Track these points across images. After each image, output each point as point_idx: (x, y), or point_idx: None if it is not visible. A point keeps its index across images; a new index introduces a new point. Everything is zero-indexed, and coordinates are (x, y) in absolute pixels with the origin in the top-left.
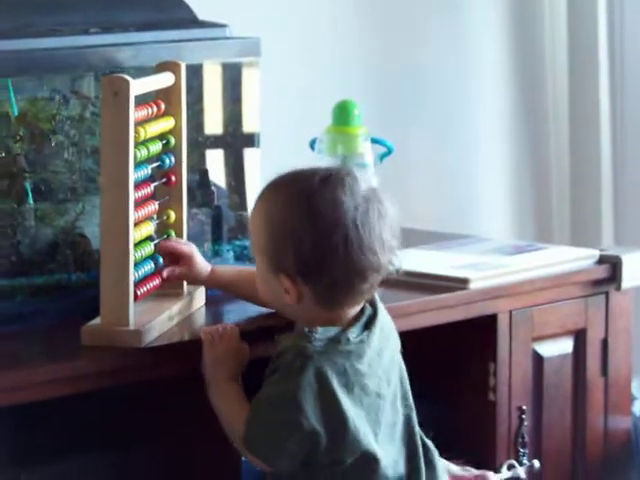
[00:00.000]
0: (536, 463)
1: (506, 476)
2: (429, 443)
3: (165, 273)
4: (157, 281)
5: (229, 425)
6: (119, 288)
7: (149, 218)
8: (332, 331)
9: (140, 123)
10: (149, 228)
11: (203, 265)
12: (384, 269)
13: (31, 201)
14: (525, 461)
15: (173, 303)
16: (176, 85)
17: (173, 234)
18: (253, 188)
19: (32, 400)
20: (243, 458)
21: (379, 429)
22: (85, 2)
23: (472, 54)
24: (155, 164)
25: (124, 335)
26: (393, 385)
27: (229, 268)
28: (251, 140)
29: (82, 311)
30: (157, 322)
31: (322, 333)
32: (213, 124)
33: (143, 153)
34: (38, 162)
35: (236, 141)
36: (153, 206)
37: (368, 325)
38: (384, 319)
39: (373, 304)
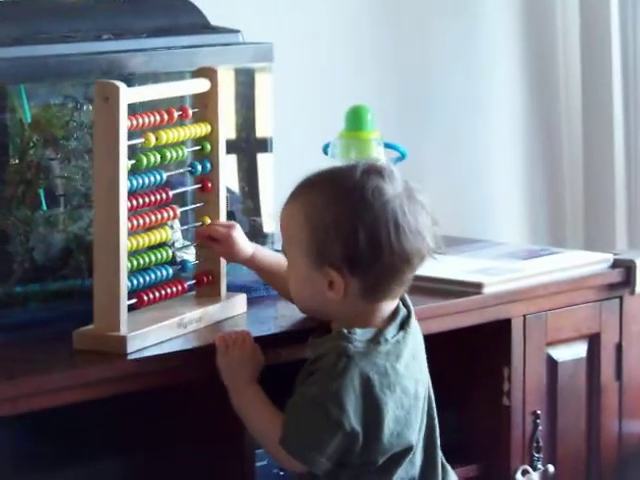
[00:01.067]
0: (550, 468)
1: None
2: (446, 464)
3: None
4: (177, 287)
5: (259, 429)
6: (110, 294)
7: (166, 224)
8: (370, 332)
9: (153, 129)
10: (162, 234)
11: (244, 246)
12: (427, 255)
13: (45, 207)
14: (540, 466)
15: (198, 308)
16: (212, 91)
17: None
18: (266, 193)
19: (55, 405)
20: (257, 464)
21: (417, 430)
22: (97, 8)
23: (484, 58)
24: (185, 169)
25: (110, 341)
26: (427, 385)
27: (271, 255)
28: (264, 145)
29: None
30: (154, 328)
31: (361, 335)
32: (226, 129)
33: (153, 159)
34: (52, 168)
35: (249, 146)
36: (167, 213)
37: (403, 326)
38: (415, 322)
39: (406, 305)
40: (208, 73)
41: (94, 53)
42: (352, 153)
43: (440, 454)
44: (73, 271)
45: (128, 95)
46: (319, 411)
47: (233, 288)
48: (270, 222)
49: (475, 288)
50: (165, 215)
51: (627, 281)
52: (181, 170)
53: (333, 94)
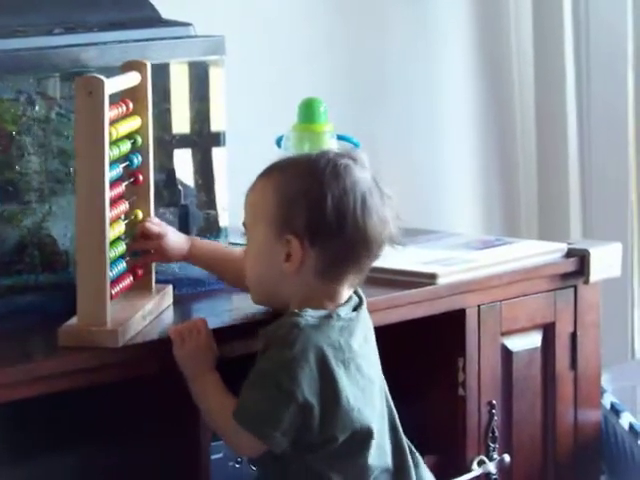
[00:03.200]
0: (506, 457)
1: (477, 472)
2: (414, 450)
3: (139, 256)
4: (129, 280)
5: (216, 414)
6: (96, 288)
7: (120, 217)
8: (323, 312)
9: (112, 123)
10: (121, 227)
11: (175, 247)
12: (385, 245)
13: None
14: (495, 456)
15: (144, 302)
16: (142, 84)
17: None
18: (220, 187)
19: (5, 400)
20: (213, 457)
21: (374, 411)
22: (48, 3)
23: (438, 50)
24: (124, 164)
25: (101, 335)
26: (379, 374)
27: (210, 246)
28: (217, 139)
29: (51, 311)
30: (133, 321)
31: (313, 313)
32: (179, 123)
33: (115, 153)
34: (4, 163)
35: (203, 140)
36: (124, 206)
37: (355, 309)
38: (366, 312)
39: (358, 295)
40: (138, 66)
41: (45, 48)
42: (305, 146)
43: (406, 441)
44: (27, 266)
45: (109, 84)
46: (270, 382)
47: (187, 282)
48: (224, 215)
49: (429, 279)
50: (122, 208)
51: (581, 270)
52: (123, 164)
53: (286, 87)
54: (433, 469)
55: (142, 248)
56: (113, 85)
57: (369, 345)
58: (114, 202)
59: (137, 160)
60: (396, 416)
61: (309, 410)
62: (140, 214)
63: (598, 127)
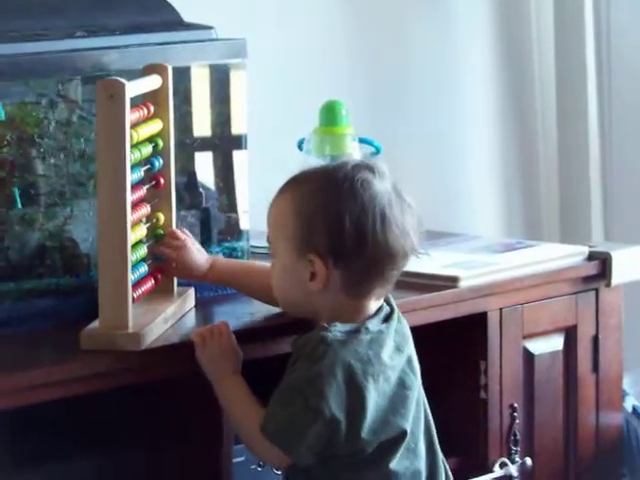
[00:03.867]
0: (528, 461)
1: (498, 474)
2: (447, 465)
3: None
4: (150, 283)
5: (241, 420)
6: (117, 291)
7: (141, 221)
8: (351, 326)
9: (133, 126)
10: (142, 231)
11: (198, 261)
12: (411, 256)
13: (19, 206)
14: (517, 459)
15: (166, 305)
16: (163, 87)
17: (161, 232)
18: (241, 189)
19: (24, 405)
20: (235, 460)
21: (409, 416)
22: (70, 6)
23: (459, 52)
24: (145, 167)
25: (123, 338)
26: (419, 382)
27: (231, 265)
28: (239, 142)
29: (71, 315)
30: (154, 325)
31: (341, 327)
32: (201, 126)
33: (137, 156)
34: (26, 167)
35: (224, 143)
36: (145, 209)
37: (386, 320)
38: (403, 322)
39: (390, 304)
40: (159, 70)
41: (67, 51)
42: (326, 149)
43: (440, 453)
44: (48, 269)
45: (131, 87)
46: (298, 398)
47: (208, 284)
48: (245, 219)
49: (451, 282)
50: (144, 211)
51: (603, 273)
52: (144, 168)
53: (307, 90)
54: (455, 471)
55: (160, 254)
56: (134, 88)
57: (403, 354)
58: (135, 205)
59: (158, 163)
60: (431, 422)
61: (336, 425)
62: (162, 217)
63: (620, 129)
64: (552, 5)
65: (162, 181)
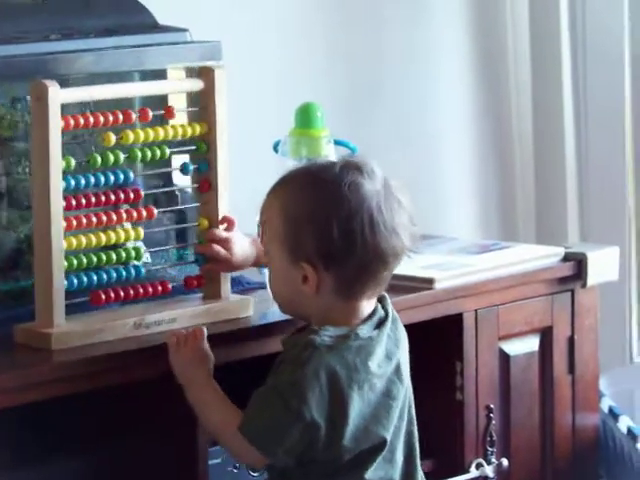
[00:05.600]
0: (504, 462)
1: (474, 475)
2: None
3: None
4: (145, 290)
5: (216, 422)
6: (45, 291)
7: (114, 225)
8: (343, 330)
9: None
10: (118, 235)
11: (243, 251)
12: (403, 255)
13: None
14: (493, 460)
15: (176, 309)
16: (208, 90)
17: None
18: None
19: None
20: (211, 462)
21: (387, 427)
22: (45, 9)
23: (435, 55)
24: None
25: (38, 337)
26: (404, 391)
27: None
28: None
29: None
30: (89, 328)
31: (332, 331)
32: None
33: (112, 158)
34: (1, 170)
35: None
36: (128, 214)
37: (379, 326)
38: (398, 326)
39: (385, 307)
40: (205, 72)
41: (42, 54)
42: (302, 151)
43: (419, 465)
44: (24, 272)
45: (63, 95)
46: (279, 400)
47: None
48: None
49: (427, 283)
50: (124, 216)
51: (578, 274)
52: (164, 169)
53: (282, 92)
54: (431, 472)
55: (206, 253)
56: (68, 94)
57: (392, 362)
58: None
59: (198, 167)
60: (415, 435)
61: (315, 430)
62: (205, 223)
63: (595, 131)
64: (527, 7)
65: (206, 185)
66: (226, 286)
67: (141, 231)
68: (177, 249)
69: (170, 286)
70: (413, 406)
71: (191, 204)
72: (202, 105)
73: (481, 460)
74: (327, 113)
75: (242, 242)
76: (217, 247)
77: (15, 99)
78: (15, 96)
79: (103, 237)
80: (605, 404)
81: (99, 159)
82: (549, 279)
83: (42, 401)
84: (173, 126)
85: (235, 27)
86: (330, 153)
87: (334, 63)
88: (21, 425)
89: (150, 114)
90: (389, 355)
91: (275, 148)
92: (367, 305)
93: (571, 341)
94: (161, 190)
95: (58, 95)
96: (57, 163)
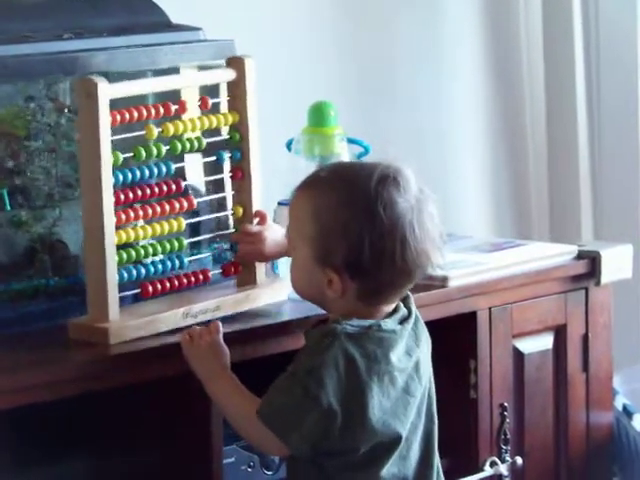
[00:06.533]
0: (518, 460)
1: (489, 473)
2: (442, 475)
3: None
4: (190, 279)
5: (236, 410)
6: (97, 286)
7: (158, 217)
8: (367, 322)
9: (158, 121)
10: (173, 225)
11: (273, 247)
12: (429, 268)
13: (8, 207)
14: (507, 458)
15: (218, 296)
16: (239, 80)
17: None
18: (231, 190)
19: (14, 406)
20: (225, 461)
21: (404, 423)
22: (57, 8)
23: (448, 52)
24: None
25: (96, 332)
26: (423, 389)
27: None
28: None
29: (61, 316)
30: (150, 319)
31: (356, 322)
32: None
33: (155, 151)
34: (14, 169)
35: (214, 144)
36: (179, 204)
37: (402, 322)
38: (420, 325)
39: (407, 305)
40: (236, 63)
41: (55, 53)
42: (315, 149)
43: (437, 461)
44: (38, 271)
45: (110, 90)
46: (298, 385)
47: None
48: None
49: (440, 281)
50: (177, 206)
51: (592, 272)
52: (206, 159)
53: (295, 90)
54: (445, 471)
55: (238, 241)
56: (118, 89)
57: (412, 358)
58: (143, 203)
59: (231, 155)
60: (434, 434)
61: (332, 417)
62: (240, 211)
63: (608, 129)
64: (541, 8)
65: (240, 173)
66: (261, 271)
67: (183, 222)
68: (191, 247)
69: (210, 275)
70: (435, 404)
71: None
72: (234, 95)
73: (495, 458)
74: (340, 111)
75: (275, 234)
76: (243, 247)
77: (29, 98)
78: (29, 95)
79: (149, 230)
80: (619, 402)
81: (143, 152)
82: (563, 277)
83: (53, 401)
84: (208, 117)
85: (248, 26)
86: (343, 151)
87: (347, 61)
88: (38, 425)
89: (187, 106)
90: (409, 351)
91: (288, 146)
92: (389, 308)
93: (585, 339)
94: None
95: (107, 91)
96: (107, 159)
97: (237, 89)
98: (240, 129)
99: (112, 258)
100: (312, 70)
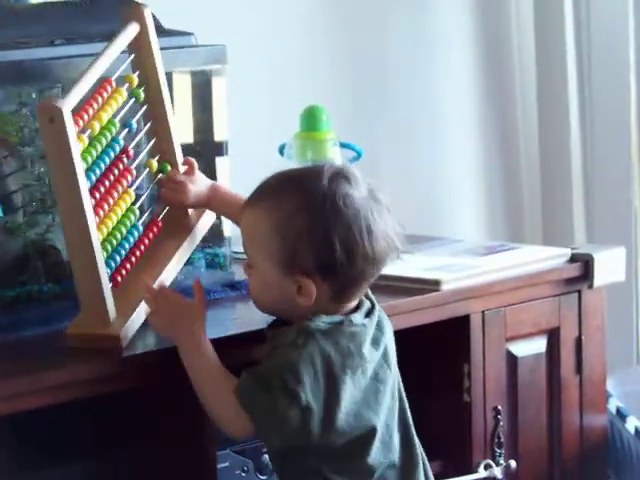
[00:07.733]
0: (512, 463)
1: (482, 476)
2: (426, 462)
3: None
4: (143, 245)
5: (208, 383)
6: (94, 296)
7: (118, 200)
8: (336, 318)
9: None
10: (127, 200)
11: (199, 189)
12: (395, 257)
13: (1, 214)
14: (501, 461)
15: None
16: (143, 32)
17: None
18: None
19: (9, 412)
20: (219, 465)
21: (380, 411)
22: (50, 14)
23: (439, 56)
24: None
25: (105, 339)
26: (393, 374)
27: (232, 197)
28: (220, 148)
29: (54, 322)
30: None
31: (327, 319)
32: (182, 132)
33: (94, 154)
34: (7, 174)
35: (205, 149)
36: (127, 179)
37: (368, 315)
38: (381, 313)
39: (369, 297)
40: (136, 15)
41: (47, 59)
42: (308, 154)
43: (419, 448)
44: (31, 277)
45: (67, 106)
46: (277, 379)
47: (191, 291)
48: (227, 225)
49: (433, 285)
50: (125, 183)
51: (585, 275)
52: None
53: (288, 95)
54: (439, 474)
55: (162, 185)
56: (73, 101)
57: (380, 347)
58: (109, 194)
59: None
60: (407, 412)
61: (309, 414)
62: (168, 167)
63: (601, 132)
64: (532, 10)
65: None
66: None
67: (132, 192)
68: None
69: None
70: (402, 384)
71: None
72: (139, 47)
73: (489, 461)
74: (332, 116)
75: (199, 187)
76: (165, 193)
77: (21, 104)
78: (21, 101)
79: (114, 216)
80: (613, 405)
81: (89, 159)
82: (556, 280)
83: (49, 406)
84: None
85: (240, 30)
86: (336, 156)
87: (339, 66)
88: (34, 428)
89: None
90: (376, 341)
91: (281, 151)
92: (355, 303)
93: (578, 342)
94: None
95: (68, 110)
96: (82, 178)
97: (141, 41)
98: (149, 83)
99: (101, 259)
100: (304, 75)
